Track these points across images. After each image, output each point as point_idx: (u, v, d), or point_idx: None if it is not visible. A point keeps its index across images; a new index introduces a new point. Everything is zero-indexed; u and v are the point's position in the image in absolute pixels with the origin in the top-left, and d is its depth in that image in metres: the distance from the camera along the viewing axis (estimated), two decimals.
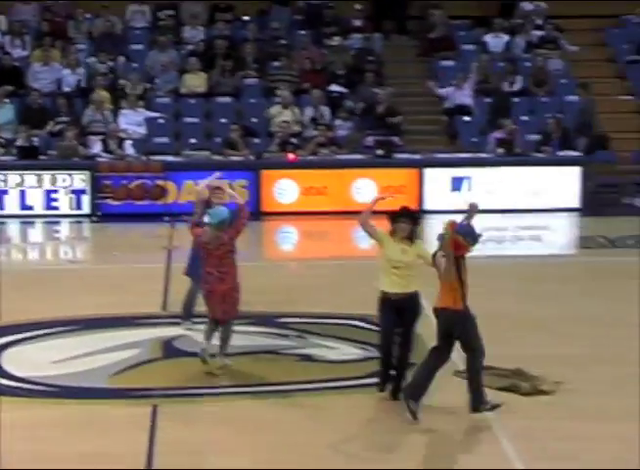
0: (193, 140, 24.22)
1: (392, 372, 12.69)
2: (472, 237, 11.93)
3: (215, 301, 13.44)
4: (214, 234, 13.22)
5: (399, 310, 12.45)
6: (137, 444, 11.43)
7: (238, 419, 12.27)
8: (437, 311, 11.96)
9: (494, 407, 11.98)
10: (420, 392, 12.01)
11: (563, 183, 23.22)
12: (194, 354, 14.02)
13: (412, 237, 12.60)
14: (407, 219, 12.54)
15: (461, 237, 11.81)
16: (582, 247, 21.03)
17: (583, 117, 24.69)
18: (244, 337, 14.76)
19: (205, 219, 13.47)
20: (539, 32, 27.38)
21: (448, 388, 12.54)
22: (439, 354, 12.11)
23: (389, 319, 12.47)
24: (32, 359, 14.07)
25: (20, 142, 23.71)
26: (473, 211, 12.39)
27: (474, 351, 11.93)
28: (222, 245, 13.28)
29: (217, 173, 14.81)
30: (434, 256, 12.14)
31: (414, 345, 12.71)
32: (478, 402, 11.93)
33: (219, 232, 13.22)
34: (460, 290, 11.83)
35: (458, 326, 11.83)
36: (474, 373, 11.97)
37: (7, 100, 24.68)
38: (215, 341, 13.65)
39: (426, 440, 11.75)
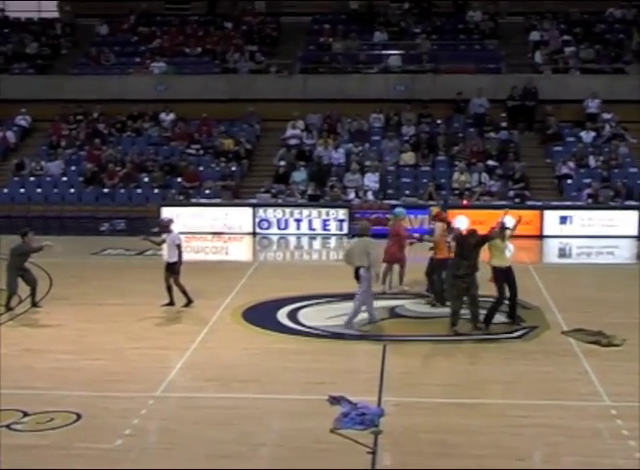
0: None
1: None
2: None
3: None
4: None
5: None
6: (373, 366, 11.47)
7: (431, 354, 12.24)
8: None
9: None
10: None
11: None
12: (406, 317, 14.12)
13: None
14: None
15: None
16: None
17: None
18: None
19: None
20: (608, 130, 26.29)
21: None
22: None
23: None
24: (315, 316, 14.10)
25: (309, 191, 24.08)
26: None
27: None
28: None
29: None
30: None
31: None
32: None
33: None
34: None
35: None
36: None
37: (302, 167, 25.12)
38: None
39: None
